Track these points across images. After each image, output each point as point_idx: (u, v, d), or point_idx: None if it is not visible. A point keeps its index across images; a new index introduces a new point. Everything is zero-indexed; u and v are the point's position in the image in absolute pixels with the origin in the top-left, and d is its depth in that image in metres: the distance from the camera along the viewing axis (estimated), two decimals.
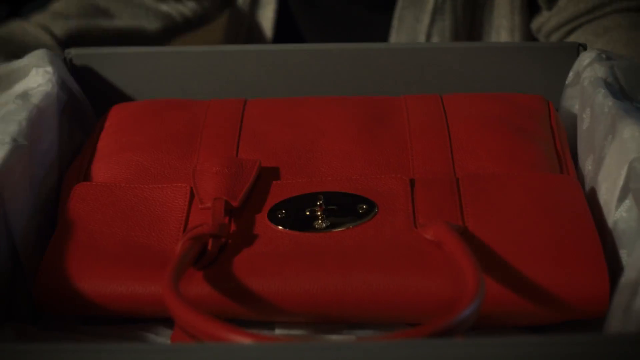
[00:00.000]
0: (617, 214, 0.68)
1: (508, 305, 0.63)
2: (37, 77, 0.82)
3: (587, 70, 0.81)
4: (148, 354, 0.47)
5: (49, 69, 0.83)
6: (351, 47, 0.88)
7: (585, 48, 0.85)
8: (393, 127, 0.79)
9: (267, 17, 1.25)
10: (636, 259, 0.60)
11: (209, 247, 0.67)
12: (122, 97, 0.90)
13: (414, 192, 0.72)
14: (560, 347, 0.48)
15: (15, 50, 1.02)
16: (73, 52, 0.89)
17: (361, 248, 0.67)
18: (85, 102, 0.88)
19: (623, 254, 0.66)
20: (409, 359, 0.47)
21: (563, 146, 0.78)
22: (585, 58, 0.82)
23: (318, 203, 0.70)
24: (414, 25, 1.20)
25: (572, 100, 0.84)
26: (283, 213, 0.71)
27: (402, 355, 0.47)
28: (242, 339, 0.53)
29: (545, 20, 1.17)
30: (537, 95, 0.84)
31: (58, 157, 0.80)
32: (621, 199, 0.68)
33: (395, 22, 1.20)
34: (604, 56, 0.81)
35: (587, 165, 0.77)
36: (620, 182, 0.68)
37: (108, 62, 0.89)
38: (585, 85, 0.79)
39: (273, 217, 0.70)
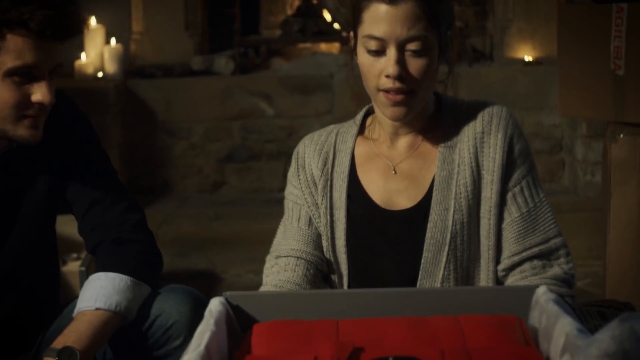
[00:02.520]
0: None
1: None
2: (216, 303, 1.34)
3: (543, 296, 1.32)
4: None
5: (221, 300, 1.35)
6: (396, 290, 1.41)
7: (538, 286, 1.37)
8: (429, 327, 1.30)
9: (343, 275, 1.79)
10: None
11: None
12: (256, 320, 1.41)
13: (444, 357, 1.21)
14: None
15: None
16: (228, 294, 1.41)
17: None
18: (235, 321, 1.38)
19: None
20: None
21: (530, 340, 1.28)
22: (541, 290, 1.34)
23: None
24: None
25: (533, 319, 1.35)
26: None
27: None
28: None
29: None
30: (514, 315, 1.35)
31: (226, 348, 1.30)
32: (561, 355, 1.18)
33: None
34: (551, 290, 1.34)
35: (544, 348, 1.26)
36: (561, 345, 1.18)
37: (250, 300, 1.41)
38: (542, 303, 1.31)
39: None
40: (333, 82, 4.50)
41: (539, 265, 1.69)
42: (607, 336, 1.12)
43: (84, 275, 2.74)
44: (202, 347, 1.17)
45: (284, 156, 4.50)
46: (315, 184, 1.81)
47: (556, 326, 1.22)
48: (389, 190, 1.76)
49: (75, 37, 1.82)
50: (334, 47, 4.92)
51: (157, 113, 4.52)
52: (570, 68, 3.08)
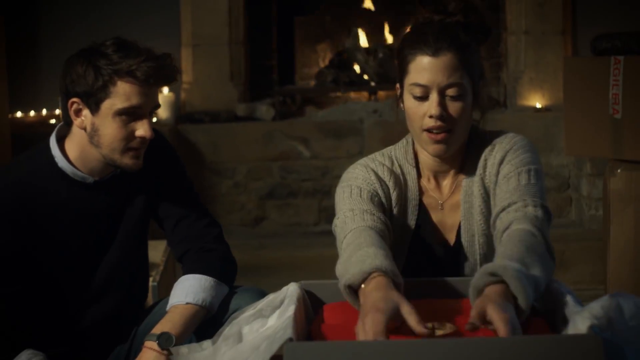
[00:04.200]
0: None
1: None
2: (295, 286, 1.68)
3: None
4: None
5: (298, 285, 1.69)
6: (440, 279, 1.74)
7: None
8: (457, 305, 1.63)
9: None
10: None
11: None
12: (324, 302, 1.74)
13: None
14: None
15: None
16: (302, 282, 1.74)
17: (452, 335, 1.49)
18: (308, 301, 1.72)
19: None
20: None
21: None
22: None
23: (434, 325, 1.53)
24: None
25: None
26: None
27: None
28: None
29: None
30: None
31: (304, 320, 1.63)
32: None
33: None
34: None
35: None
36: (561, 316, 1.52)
37: (319, 287, 1.74)
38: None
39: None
40: (363, 127, 4.84)
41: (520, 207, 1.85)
42: (598, 305, 1.46)
43: (156, 290, 3.07)
44: (290, 312, 1.51)
45: (319, 193, 4.85)
46: (390, 202, 2.01)
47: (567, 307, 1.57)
48: (439, 222, 2.01)
49: (171, 83, 2.18)
50: (364, 95, 5.27)
51: (205, 155, 4.87)
52: (574, 113, 3.41)
